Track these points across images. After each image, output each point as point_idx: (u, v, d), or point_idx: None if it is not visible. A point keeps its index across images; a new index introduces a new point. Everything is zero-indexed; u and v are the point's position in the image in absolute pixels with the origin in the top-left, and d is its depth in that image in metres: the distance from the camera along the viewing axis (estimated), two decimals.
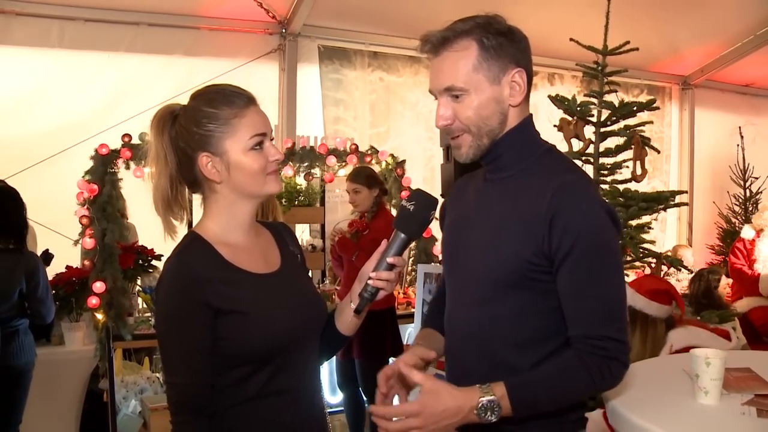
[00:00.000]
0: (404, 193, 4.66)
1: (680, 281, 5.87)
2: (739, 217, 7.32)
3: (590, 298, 1.35)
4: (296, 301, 1.55)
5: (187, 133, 1.47)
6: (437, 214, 1.72)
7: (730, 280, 5.46)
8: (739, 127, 7.50)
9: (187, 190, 1.55)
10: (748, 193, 7.35)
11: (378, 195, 4.06)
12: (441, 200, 1.70)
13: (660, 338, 2.60)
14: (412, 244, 4.82)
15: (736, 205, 7.41)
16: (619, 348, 1.36)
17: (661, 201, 3.80)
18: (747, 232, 5.58)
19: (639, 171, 3.83)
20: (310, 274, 5.34)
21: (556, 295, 1.40)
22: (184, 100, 1.54)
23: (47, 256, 3.96)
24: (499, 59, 1.41)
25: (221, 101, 1.47)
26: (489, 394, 1.28)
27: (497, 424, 1.35)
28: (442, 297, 1.65)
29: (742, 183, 7.37)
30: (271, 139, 1.53)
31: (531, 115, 1.51)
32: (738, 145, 7.43)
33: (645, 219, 3.86)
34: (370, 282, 1.43)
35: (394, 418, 1.34)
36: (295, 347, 1.51)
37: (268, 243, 1.61)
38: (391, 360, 4.06)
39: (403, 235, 1.45)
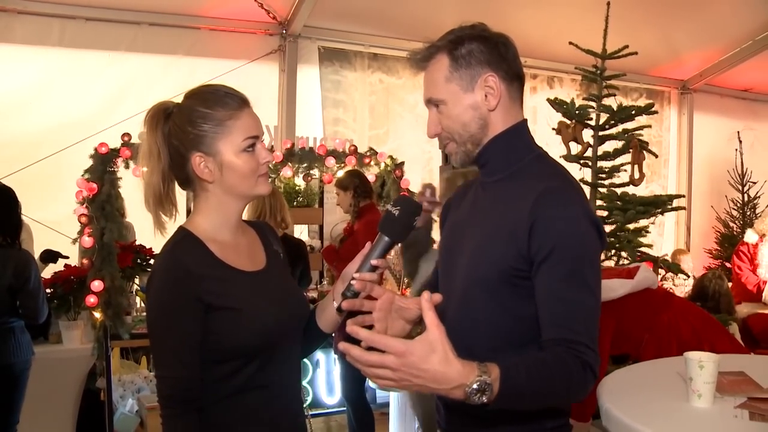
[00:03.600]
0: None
1: (677, 286, 5.90)
2: (737, 222, 7.34)
3: (568, 302, 1.32)
4: (282, 298, 1.58)
5: (182, 132, 1.48)
6: (436, 217, 1.74)
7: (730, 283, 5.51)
8: (738, 132, 7.52)
9: (177, 186, 1.57)
10: (746, 198, 7.37)
11: (354, 197, 4.00)
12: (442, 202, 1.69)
13: None
14: None
15: (734, 209, 7.43)
16: (595, 358, 1.30)
17: (658, 205, 3.81)
18: (750, 237, 5.69)
19: (637, 175, 3.85)
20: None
21: (535, 301, 1.38)
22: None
23: (54, 254, 3.95)
24: (470, 67, 1.44)
25: (216, 102, 1.48)
26: (486, 374, 1.16)
27: None
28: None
29: (740, 187, 7.39)
30: (263, 142, 1.55)
31: (525, 120, 1.52)
32: (736, 150, 7.45)
33: (642, 223, 3.87)
34: (353, 282, 1.44)
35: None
36: (281, 343, 1.54)
37: (253, 241, 1.64)
38: None
39: (387, 238, 1.47)
